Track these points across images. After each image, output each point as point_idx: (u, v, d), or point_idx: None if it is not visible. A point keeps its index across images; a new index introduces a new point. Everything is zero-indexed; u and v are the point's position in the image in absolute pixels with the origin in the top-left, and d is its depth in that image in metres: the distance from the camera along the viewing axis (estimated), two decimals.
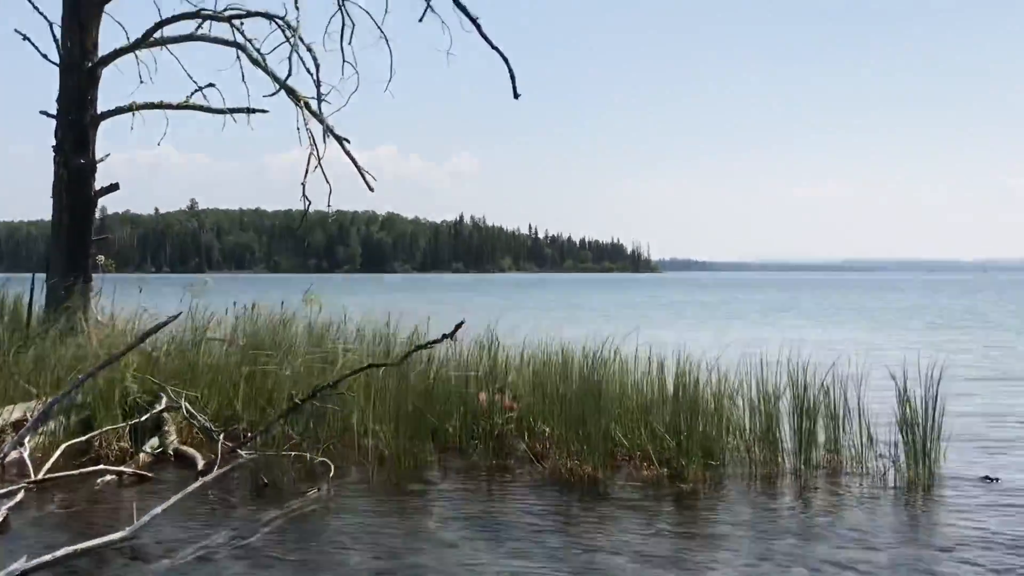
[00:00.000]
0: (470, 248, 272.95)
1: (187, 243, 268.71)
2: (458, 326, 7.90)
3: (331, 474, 8.44)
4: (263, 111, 14.58)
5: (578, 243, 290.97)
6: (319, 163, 14.30)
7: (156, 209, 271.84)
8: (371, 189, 14.64)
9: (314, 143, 14.19)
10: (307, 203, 14.17)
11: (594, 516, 7.55)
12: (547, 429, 9.23)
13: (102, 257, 17.61)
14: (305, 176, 14.06)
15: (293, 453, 8.62)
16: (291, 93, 14.12)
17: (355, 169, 14.52)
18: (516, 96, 13.95)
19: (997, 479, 8.66)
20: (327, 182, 14.49)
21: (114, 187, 13.86)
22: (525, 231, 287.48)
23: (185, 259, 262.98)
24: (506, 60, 13.85)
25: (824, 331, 33.25)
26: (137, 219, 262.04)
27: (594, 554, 6.55)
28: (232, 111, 14.53)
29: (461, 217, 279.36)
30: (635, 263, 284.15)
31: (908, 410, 9.13)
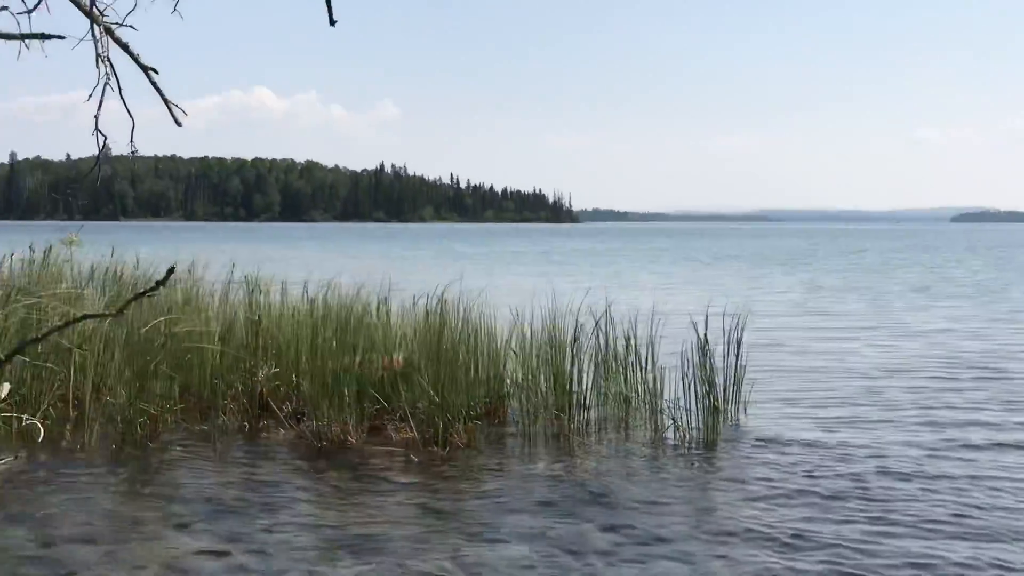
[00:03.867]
0: (391, 197, 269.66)
1: (100, 191, 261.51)
2: (170, 271, 6.86)
3: (40, 439, 7.42)
4: (60, 37, 13.27)
5: (500, 193, 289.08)
6: (119, 94, 13.05)
7: (68, 155, 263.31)
8: (179, 124, 13.43)
9: (112, 70, 12.94)
10: (102, 139, 12.91)
11: (339, 486, 6.69)
12: (306, 388, 8.28)
13: None
14: (99, 108, 12.79)
15: None
16: (86, 13, 12.83)
17: (165, 106, 13.32)
18: (332, 23, 12.86)
19: (783, 438, 7.92)
20: (129, 116, 13.25)
21: None
22: (447, 180, 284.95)
23: (98, 207, 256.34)
24: None
25: (684, 276, 32.76)
26: (48, 165, 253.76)
27: (324, 529, 5.65)
28: (26, 37, 13.21)
29: (382, 166, 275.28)
30: (556, 213, 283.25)
31: (706, 362, 8.39)
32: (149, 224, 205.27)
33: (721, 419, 8.28)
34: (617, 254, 57.61)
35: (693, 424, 8.06)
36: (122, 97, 14.35)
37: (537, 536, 5.62)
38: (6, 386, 8.33)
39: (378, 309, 9.11)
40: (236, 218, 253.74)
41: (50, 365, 7.92)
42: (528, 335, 8.70)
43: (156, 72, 14.64)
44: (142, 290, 7.59)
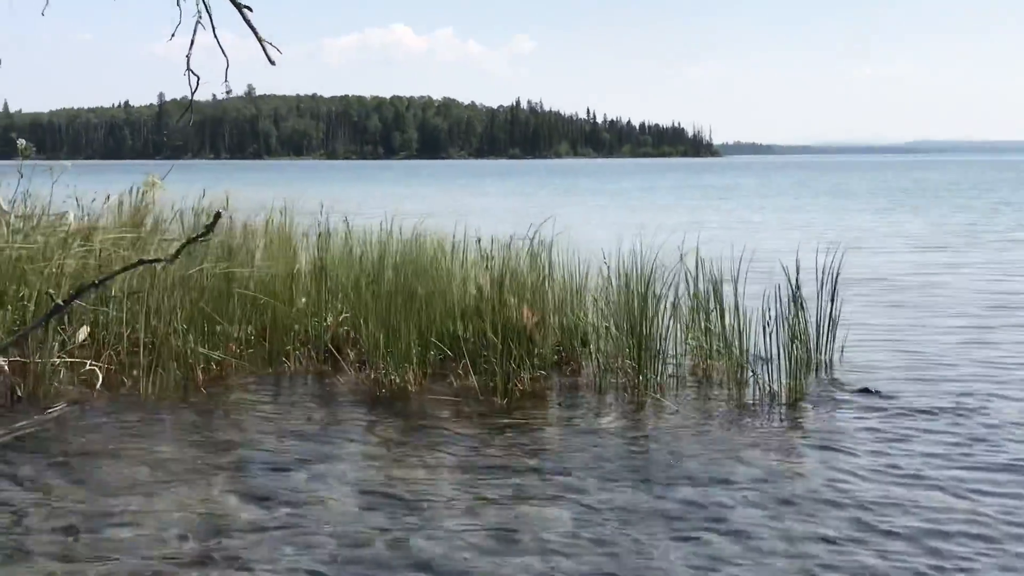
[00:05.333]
0: (526, 134, 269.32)
1: (245, 129, 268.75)
2: (217, 217, 6.67)
3: (99, 384, 7.37)
4: None
5: (637, 127, 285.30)
6: (213, 32, 12.91)
7: (213, 95, 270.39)
8: (272, 62, 13.25)
9: (206, 7, 12.80)
10: (195, 80, 12.82)
11: (393, 437, 6.44)
12: (367, 334, 8.01)
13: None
14: (191, 47, 12.67)
15: (58, 361, 7.51)
16: None
17: (259, 42, 13.14)
18: None
19: (878, 391, 7.28)
20: (223, 54, 13.12)
21: None
22: (583, 115, 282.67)
23: (243, 146, 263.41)
24: None
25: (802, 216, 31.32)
26: (196, 105, 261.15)
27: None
28: None
29: (517, 102, 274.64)
30: (695, 147, 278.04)
31: (797, 310, 7.79)
32: (289, 163, 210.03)
33: (812, 372, 7.70)
34: (744, 190, 55.88)
35: (779, 377, 7.49)
36: (215, 35, 13.97)
37: (591, 498, 5.23)
38: (84, 329, 8.32)
39: (453, 251, 8.79)
40: (375, 156, 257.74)
41: (107, 310, 7.84)
42: (608, 279, 8.23)
43: (250, 10, 14.20)
44: (193, 235, 7.46)
